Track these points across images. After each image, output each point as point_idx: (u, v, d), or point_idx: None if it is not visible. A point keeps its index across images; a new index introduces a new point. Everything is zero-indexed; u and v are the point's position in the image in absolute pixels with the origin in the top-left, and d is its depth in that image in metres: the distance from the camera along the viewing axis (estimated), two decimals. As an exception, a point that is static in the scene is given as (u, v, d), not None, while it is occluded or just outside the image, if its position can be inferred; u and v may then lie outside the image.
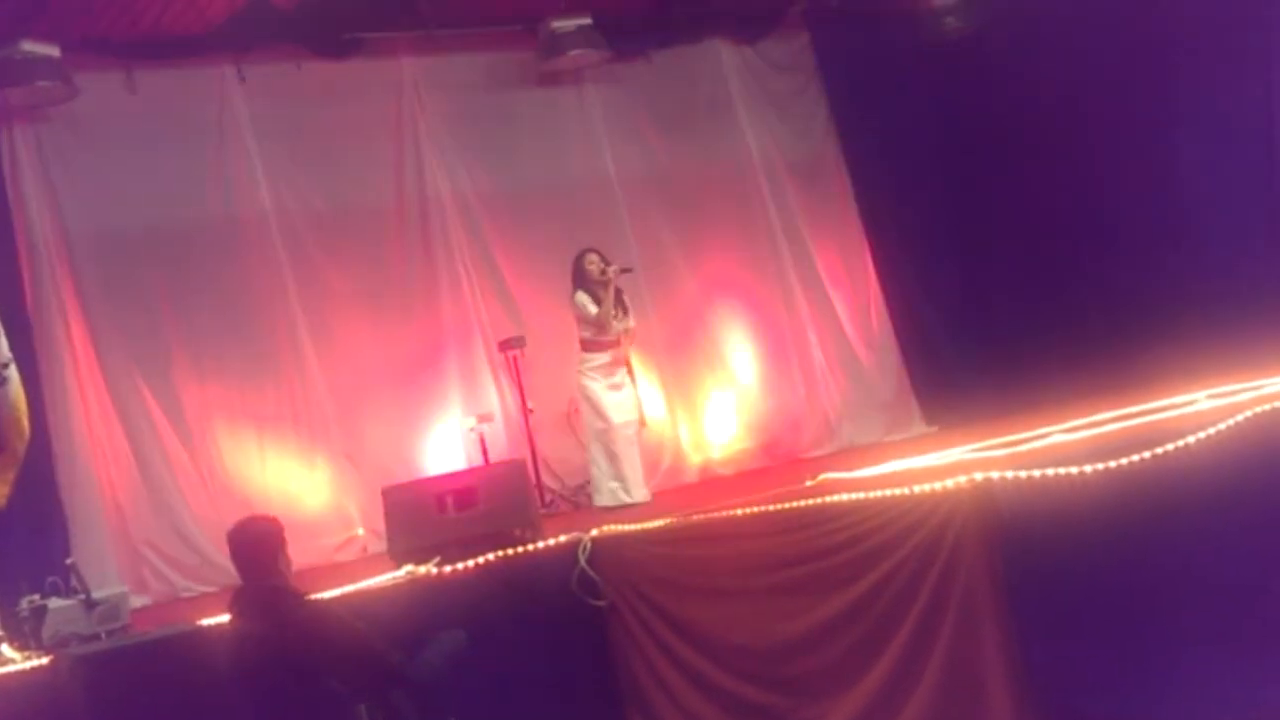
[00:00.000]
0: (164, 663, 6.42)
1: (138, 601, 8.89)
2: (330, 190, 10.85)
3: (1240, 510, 6.50)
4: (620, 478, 9.95)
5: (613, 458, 9.98)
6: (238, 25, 10.19)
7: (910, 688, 6.50)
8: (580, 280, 10.12)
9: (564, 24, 11.15)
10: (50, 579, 7.36)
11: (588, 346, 10.16)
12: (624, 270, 10.27)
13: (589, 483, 10.28)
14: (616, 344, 10.18)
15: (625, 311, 10.21)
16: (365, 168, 11.07)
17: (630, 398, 10.20)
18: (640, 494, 9.93)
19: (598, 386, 10.06)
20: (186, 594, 9.58)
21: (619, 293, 10.17)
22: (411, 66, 11.24)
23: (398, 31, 10.94)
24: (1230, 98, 11.12)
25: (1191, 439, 6.55)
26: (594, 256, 10.15)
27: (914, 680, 6.48)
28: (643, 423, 10.35)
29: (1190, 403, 7.98)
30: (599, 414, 10.06)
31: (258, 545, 6.38)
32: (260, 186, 10.56)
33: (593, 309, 10.01)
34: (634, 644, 7.70)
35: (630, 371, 10.31)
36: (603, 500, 9.92)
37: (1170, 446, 6.47)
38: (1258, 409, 6.89)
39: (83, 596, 7.17)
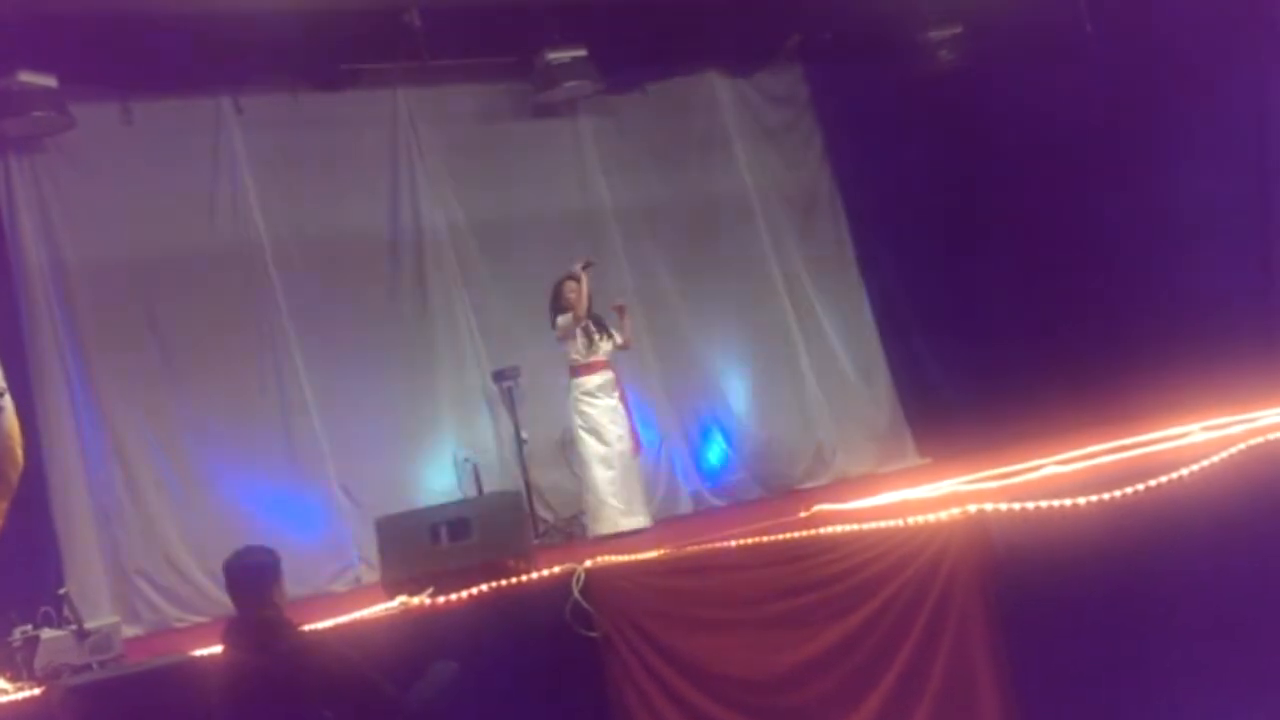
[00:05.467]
0: (157, 693, 6.40)
1: (130, 632, 8.90)
2: (325, 220, 10.88)
3: (1236, 543, 6.50)
4: (626, 500, 9.94)
5: (615, 480, 9.97)
6: (234, 57, 10.22)
7: (905, 720, 6.49)
8: (558, 307, 10.20)
9: (559, 56, 11.16)
10: (43, 609, 7.36)
11: (577, 371, 10.20)
12: (586, 264, 10.25)
13: (583, 513, 10.28)
14: (604, 365, 10.19)
15: (606, 334, 10.24)
16: (360, 198, 11.10)
17: (624, 422, 10.21)
18: (644, 518, 9.92)
19: (595, 410, 10.06)
20: (179, 624, 9.58)
21: (598, 318, 10.19)
22: (406, 97, 11.30)
23: (393, 63, 10.95)
24: (1224, 132, 11.17)
25: (1185, 471, 6.54)
26: (572, 284, 10.20)
27: (908, 713, 6.47)
28: (635, 450, 10.35)
29: (1185, 435, 7.98)
30: (599, 437, 10.06)
31: (254, 576, 6.35)
32: (255, 217, 10.61)
33: (567, 318, 10.08)
34: (628, 676, 7.66)
35: (623, 397, 10.31)
36: (603, 527, 9.89)
37: (1164, 479, 6.47)
38: (1252, 441, 6.90)
39: (75, 627, 7.16)
